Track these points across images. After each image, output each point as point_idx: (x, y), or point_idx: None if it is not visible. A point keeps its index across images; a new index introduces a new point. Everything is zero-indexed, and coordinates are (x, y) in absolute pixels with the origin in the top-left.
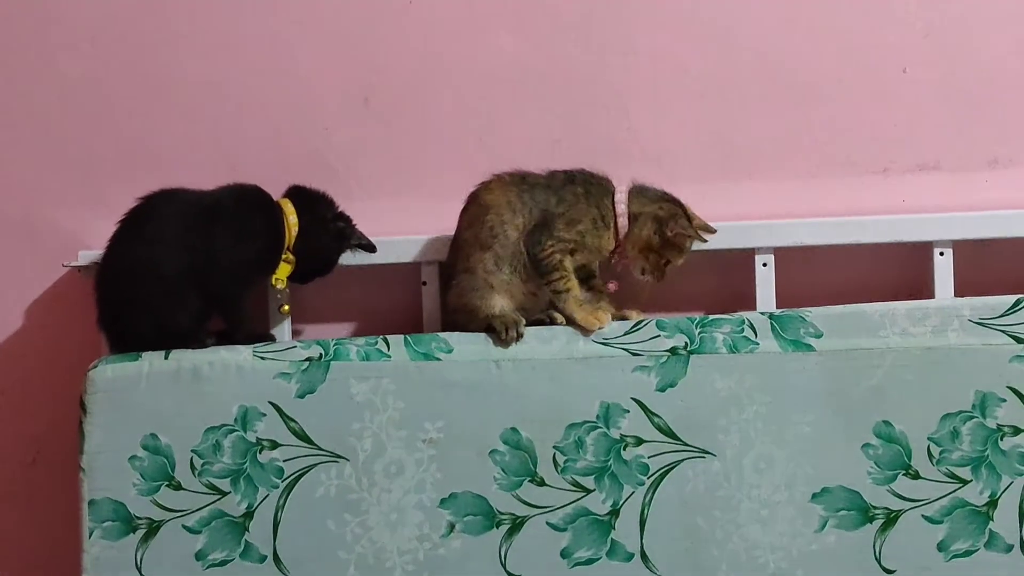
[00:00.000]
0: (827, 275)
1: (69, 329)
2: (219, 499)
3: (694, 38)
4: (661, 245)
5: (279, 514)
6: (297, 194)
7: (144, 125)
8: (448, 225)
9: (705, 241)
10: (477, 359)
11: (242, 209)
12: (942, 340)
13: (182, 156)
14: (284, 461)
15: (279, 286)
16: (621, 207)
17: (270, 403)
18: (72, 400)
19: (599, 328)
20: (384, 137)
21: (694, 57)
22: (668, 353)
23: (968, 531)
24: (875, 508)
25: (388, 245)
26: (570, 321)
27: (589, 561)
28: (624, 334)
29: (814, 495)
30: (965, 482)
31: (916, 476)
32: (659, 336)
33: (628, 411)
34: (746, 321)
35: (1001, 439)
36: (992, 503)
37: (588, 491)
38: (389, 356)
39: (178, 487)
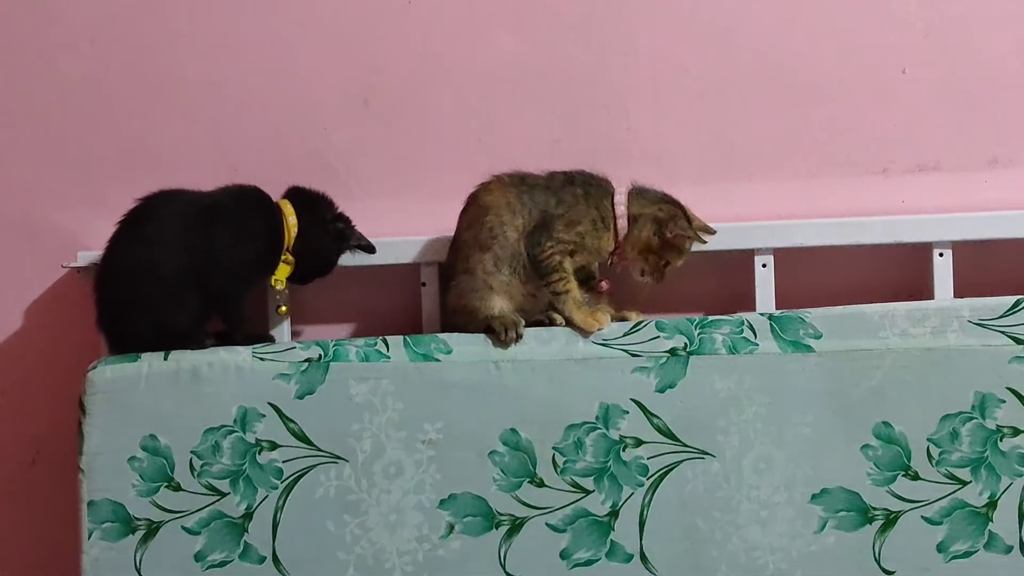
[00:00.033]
0: (827, 276)
1: (68, 330)
2: (218, 500)
3: (694, 38)
4: (661, 246)
5: (278, 515)
6: (297, 195)
7: (144, 125)
8: (448, 226)
9: (705, 242)
10: (476, 360)
11: (242, 210)
12: (942, 341)
13: (182, 156)
14: (283, 462)
15: (278, 287)
16: (621, 208)
17: (269, 404)
18: (71, 401)
19: (598, 329)
20: (384, 137)
21: (694, 57)
22: (667, 354)
23: (968, 532)
24: (875, 509)
25: (387, 246)
26: (569, 322)
27: (588, 562)
28: (623, 335)
29: (813, 496)
30: (965, 483)
31: (916, 477)
32: (658, 337)
33: (627, 412)
34: (745, 322)
35: (1000, 440)
36: (992, 504)
37: (587, 492)
38: (388, 357)
39: (177, 488)
